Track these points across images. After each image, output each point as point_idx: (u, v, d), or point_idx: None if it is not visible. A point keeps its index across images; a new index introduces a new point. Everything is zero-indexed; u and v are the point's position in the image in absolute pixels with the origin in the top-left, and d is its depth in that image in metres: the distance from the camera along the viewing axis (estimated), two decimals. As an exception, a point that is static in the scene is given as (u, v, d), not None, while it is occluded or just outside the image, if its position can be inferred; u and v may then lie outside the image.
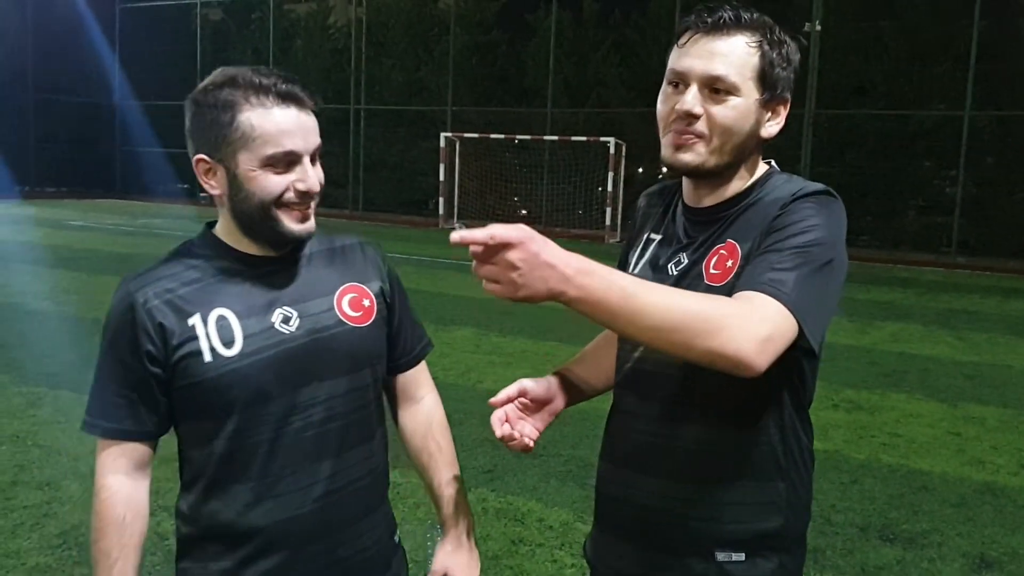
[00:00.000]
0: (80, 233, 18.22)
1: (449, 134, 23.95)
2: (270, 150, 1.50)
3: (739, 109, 1.60)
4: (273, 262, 1.62)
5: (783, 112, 1.67)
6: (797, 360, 1.57)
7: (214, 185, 1.57)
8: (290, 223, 1.55)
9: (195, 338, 1.53)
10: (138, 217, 22.90)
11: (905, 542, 4.47)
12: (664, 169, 1.69)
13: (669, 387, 1.66)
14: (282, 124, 1.51)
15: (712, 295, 1.45)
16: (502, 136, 23.52)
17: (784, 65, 1.64)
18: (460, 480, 1.87)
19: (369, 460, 1.70)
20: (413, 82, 27.24)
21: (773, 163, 1.73)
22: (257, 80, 1.51)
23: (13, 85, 28.56)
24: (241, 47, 30.50)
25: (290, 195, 1.54)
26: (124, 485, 1.58)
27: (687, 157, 1.63)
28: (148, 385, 1.55)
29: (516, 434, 1.69)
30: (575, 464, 5.36)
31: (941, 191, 22.15)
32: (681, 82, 1.62)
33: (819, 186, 1.59)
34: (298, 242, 1.61)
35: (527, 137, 23.67)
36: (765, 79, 1.61)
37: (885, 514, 4.84)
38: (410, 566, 1.93)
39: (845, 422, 6.58)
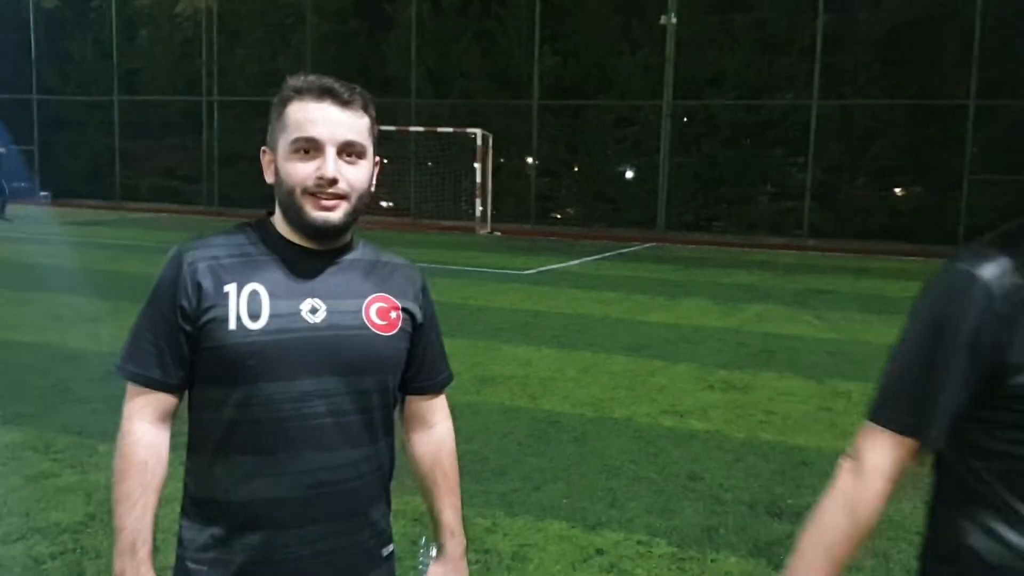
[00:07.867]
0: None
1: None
2: (294, 135, 1.64)
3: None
4: (317, 256, 1.72)
5: None
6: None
7: (269, 175, 1.72)
8: (312, 211, 1.65)
9: (226, 305, 1.63)
10: (-27, 218, 21.34)
11: (792, 516, 4.60)
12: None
13: None
14: (311, 114, 1.64)
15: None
16: (365, 128, 23.04)
17: None
18: (459, 506, 1.96)
19: (368, 462, 1.73)
20: (268, 72, 26.08)
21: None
22: (307, 82, 1.67)
23: None
24: (80, 37, 28.91)
25: (311, 183, 1.64)
26: (148, 432, 1.67)
27: None
28: (178, 340, 1.66)
29: None
30: (469, 459, 5.27)
31: (791, 177, 23.18)
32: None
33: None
34: (323, 233, 1.69)
35: (392, 128, 23.34)
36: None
37: (771, 490, 4.99)
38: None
39: (722, 402, 6.76)
